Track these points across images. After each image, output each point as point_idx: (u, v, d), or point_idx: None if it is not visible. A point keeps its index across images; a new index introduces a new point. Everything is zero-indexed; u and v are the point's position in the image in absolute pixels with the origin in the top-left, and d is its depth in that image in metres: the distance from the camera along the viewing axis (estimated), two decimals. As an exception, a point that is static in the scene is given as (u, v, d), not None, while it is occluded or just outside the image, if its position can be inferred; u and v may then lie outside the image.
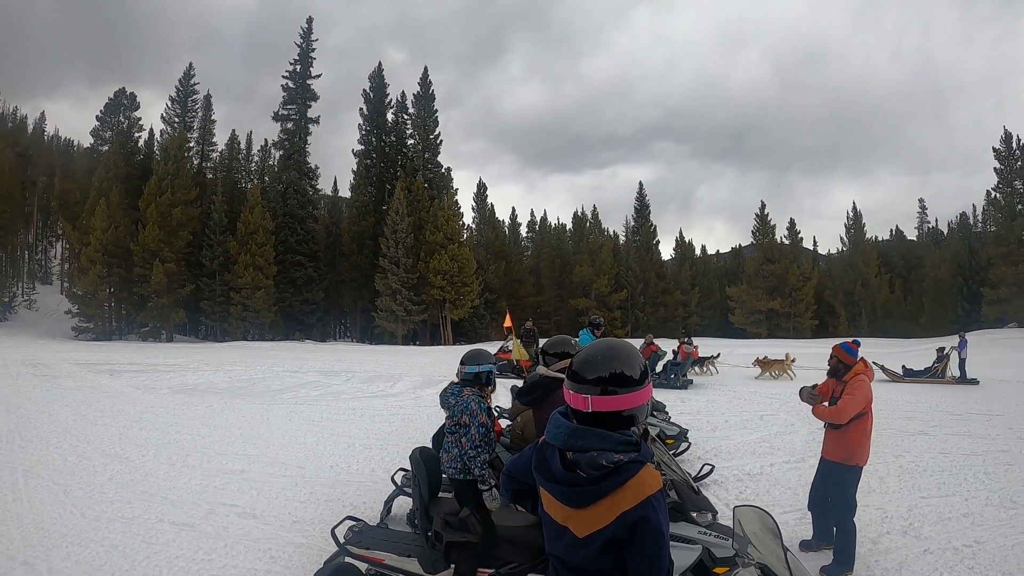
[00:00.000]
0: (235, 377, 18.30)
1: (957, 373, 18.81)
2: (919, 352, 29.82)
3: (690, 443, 8.66)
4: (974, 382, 18.19)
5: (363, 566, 4.28)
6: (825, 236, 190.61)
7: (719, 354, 22.70)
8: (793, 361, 20.12)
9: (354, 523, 4.79)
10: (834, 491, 5.32)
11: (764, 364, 20.02)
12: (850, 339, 5.80)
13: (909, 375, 19.42)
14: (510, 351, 20.78)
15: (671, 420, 9.26)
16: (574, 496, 1.81)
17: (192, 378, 18.00)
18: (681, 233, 69.92)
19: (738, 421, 11.63)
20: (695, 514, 4.63)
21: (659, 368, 18.33)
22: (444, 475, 4.60)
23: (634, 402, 1.82)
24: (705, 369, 20.27)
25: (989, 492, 7.18)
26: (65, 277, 58.07)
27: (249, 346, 37.17)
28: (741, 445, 9.52)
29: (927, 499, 6.92)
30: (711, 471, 7.02)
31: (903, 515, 6.37)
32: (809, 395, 5.45)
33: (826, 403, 5.40)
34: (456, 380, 4.80)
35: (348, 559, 4.28)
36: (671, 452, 7.61)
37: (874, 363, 20.39)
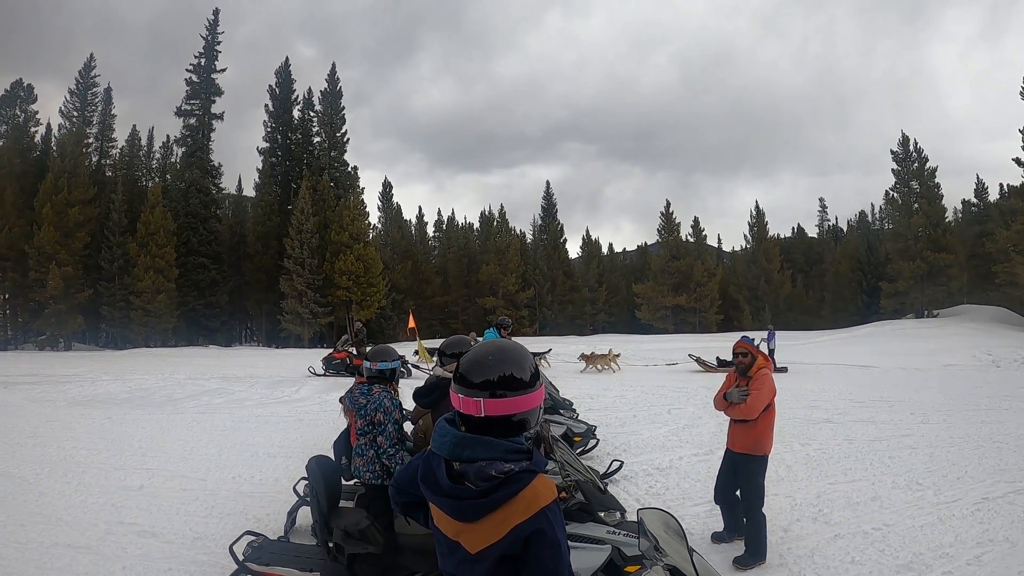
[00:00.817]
0: (135, 386, 17.91)
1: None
2: (817, 344, 31.61)
3: (598, 440, 8.77)
4: (783, 370, 19.93)
5: None
6: (729, 234, 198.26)
7: (550, 349, 24.58)
8: (617, 356, 21.81)
9: (254, 538, 4.71)
10: (743, 482, 5.44)
11: (589, 359, 21.61)
12: (740, 336, 6.04)
13: (723, 365, 20.76)
14: (344, 351, 22.15)
15: (578, 418, 9.29)
16: (463, 510, 1.71)
17: (90, 388, 17.55)
18: (588, 232, 73.47)
19: (646, 416, 11.83)
20: (603, 514, 4.65)
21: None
22: (358, 480, 4.47)
23: (525, 405, 1.75)
24: (603, 367, 21.50)
25: (895, 476, 7.52)
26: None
27: (151, 352, 36.54)
28: (649, 439, 9.77)
29: (835, 485, 7.19)
30: (620, 467, 7.32)
31: (812, 502, 6.58)
32: (740, 396, 5.47)
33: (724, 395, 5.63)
34: (362, 379, 4.78)
35: None
36: (578, 450, 7.79)
37: (689, 355, 22.49)
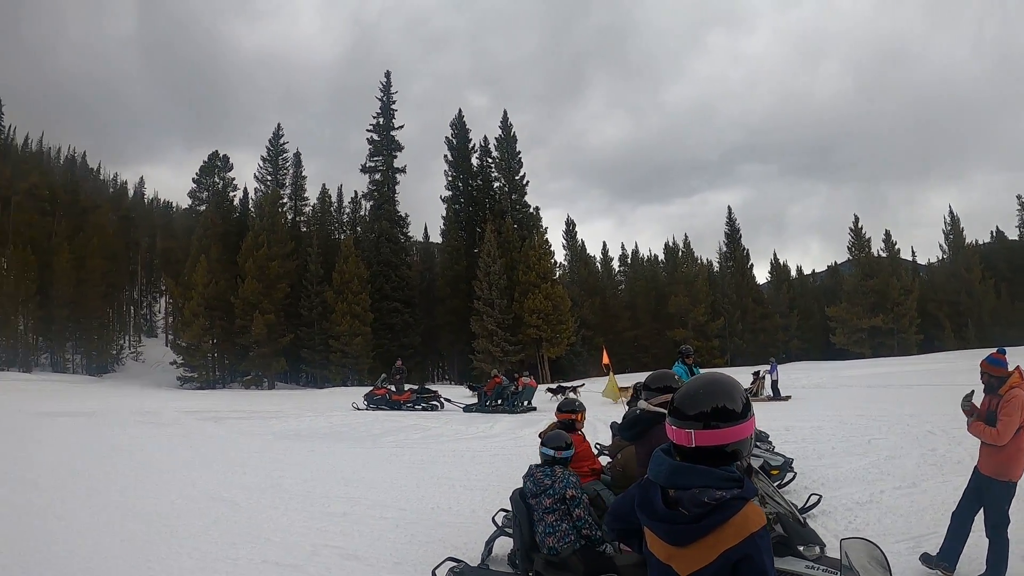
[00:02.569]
0: (336, 422, 18.62)
1: (771, 392, 21.86)
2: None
3: (795, 473, 8.43)
4: (787, 398, 20.83)
5: None
6: (923, 245, 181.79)
7: (583, 383, 25.77)
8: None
9: (455, 564, 4.89)
10: (987, 504, 5.12)
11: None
12: (995, 350, 5.45)
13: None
14: (384, 387, 24.20)
15: (775, 450, 9.00)
16: (676, 534, 1.79)
17: (294, 423, 18.35)
18: (775, 255, 67.20)
19: (845, 447, 10.99)
20: (802, 548, 4.49)
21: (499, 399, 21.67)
22: (555, 556, 4.43)
23: (737, 436, 1.81)
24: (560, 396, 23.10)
25: None
26: (169, 330, 60.82)
27: (349, 392, 37.47)
28: (849, 472, 9.06)
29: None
30: (818, 501, 6.84)
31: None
32: (968, 404, 5.31)
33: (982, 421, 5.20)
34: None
35: None
36: (775, 483, 7.34)
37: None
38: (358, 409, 22.67)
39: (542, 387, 26.20)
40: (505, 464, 10.76)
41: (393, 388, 24.35)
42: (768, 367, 23.27)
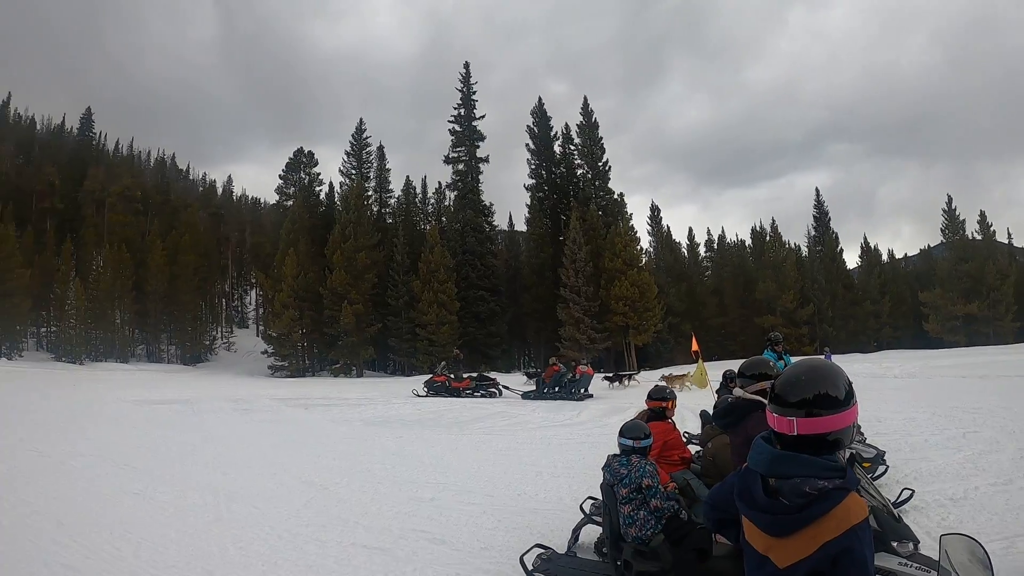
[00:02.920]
0: (424, 409, 18.74)
1: None
2: None
3: (887, 466, 8.07)
4: None
5: None
6: (1020, 227, 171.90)
7: (639, 372, 27.07)
8: (688, 375, 22.73)
9: (543, 551, 4.90)
10: None
11: (669, 379, 23.08)
12: None
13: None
14: (444, 375, 25.30)
15: (866, 442, 8.63)
16: (776, 525, 1.76)
17: (382, 410, 18.59)
18: (865, 239, 63.25)
19: (938, 440, 10.50)
20: (895, 544, 4.23)
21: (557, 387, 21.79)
22: (644, 545, 4.34)
23: (840, 424, 1.77)
24: (680, 388, 22.04)
25: None
26: (260, 321, 62.93)
27: None
28: (942, 467, 8.65)
29: None
30: (911, 496, 6.63)
31: None
32: None
33: None
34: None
35: None
36: (868, 476, 6.99)
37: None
38: (419, 396, 23.44)
39: (599, 376, 26.41)
40: (592, 452, 10.50)
41: (452, 376, 25.22)
42: (823, 356, 23.50)
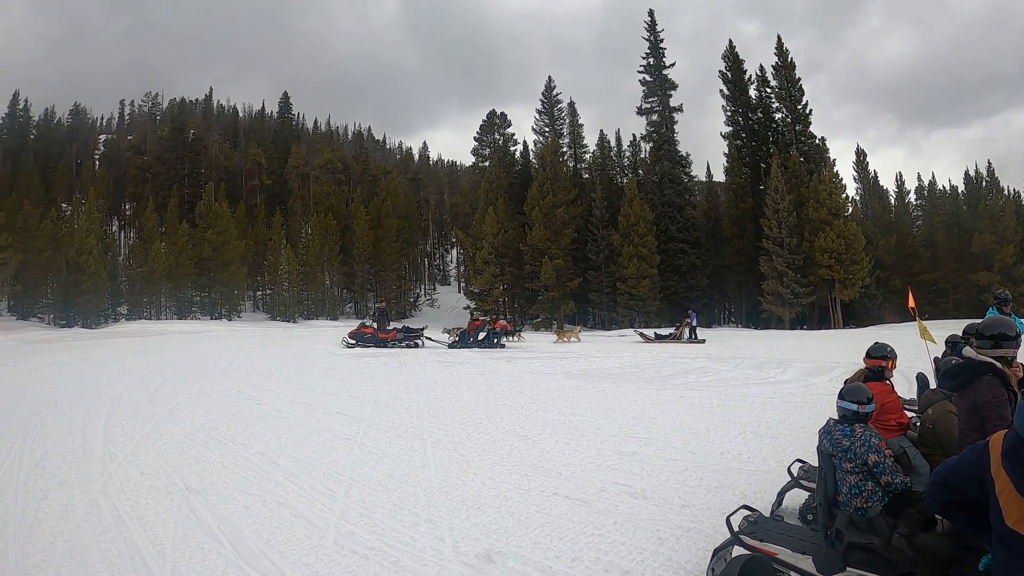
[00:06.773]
0: (625, 362, 18.88)
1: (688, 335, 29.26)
2: None
3: None
4: (702, 341, 27.92)
5: None
6: None
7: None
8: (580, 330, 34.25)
9: (749, 513, 4.69)
10: None
11: (559, 334, 31.99)
12: None
13: (659, 338, 29.79)
14: (370, 327, 27.01)
15: None
16: None
17: (584, 364, 18.81)
18: None
19: None
20: None
21: (482, 335, 26.29)
22: (862, 516, 4.01)
23: None
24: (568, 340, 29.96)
25: None
26: (462, 277, 67.27)
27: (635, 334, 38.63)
28: None
29: None
30: None
31: None
32: None
33: None
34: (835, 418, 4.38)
35: (739, 548, 4.17)
36: None
37: (632, 327, 35.81)
38: (348, 346, 25.30)
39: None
40: (797, 412, 10.23)
41: (378, 327, 26.66)
42: (689, 317, 30.22)
